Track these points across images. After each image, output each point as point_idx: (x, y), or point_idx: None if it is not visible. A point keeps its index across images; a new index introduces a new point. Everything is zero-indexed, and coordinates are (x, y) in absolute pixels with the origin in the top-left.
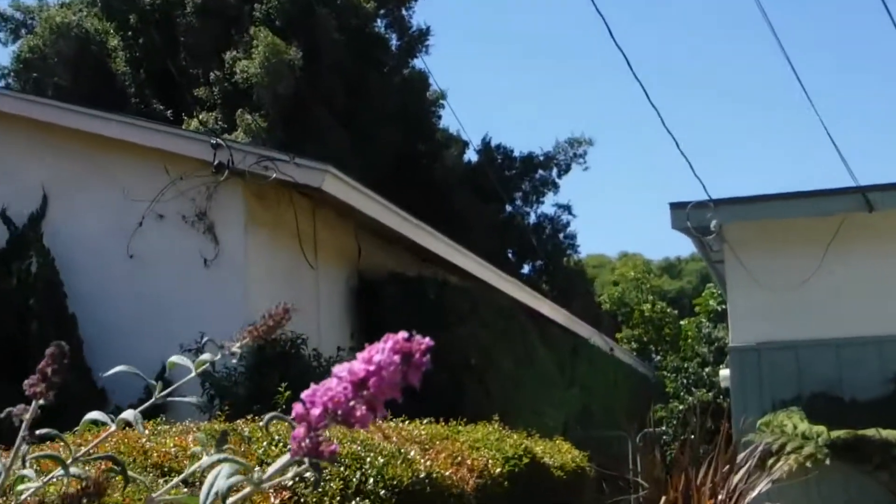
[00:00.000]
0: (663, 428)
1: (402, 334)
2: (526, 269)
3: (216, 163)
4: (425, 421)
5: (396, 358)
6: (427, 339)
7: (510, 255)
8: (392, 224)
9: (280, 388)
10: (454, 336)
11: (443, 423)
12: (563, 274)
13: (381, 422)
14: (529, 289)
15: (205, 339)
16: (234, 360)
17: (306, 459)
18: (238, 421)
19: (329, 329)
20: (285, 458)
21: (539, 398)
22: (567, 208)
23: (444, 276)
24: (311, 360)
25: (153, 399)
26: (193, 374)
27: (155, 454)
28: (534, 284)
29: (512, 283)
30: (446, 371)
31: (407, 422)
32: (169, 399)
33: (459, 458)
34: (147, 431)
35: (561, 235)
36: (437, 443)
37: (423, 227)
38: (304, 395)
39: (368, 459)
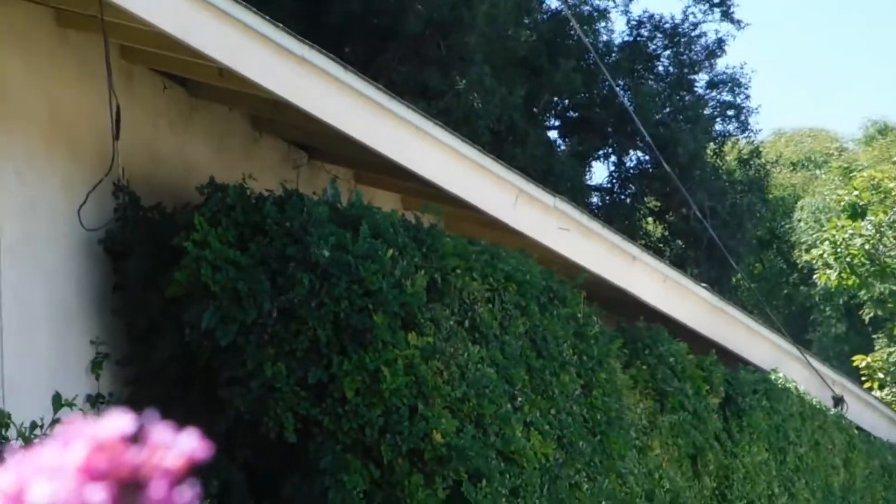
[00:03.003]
0: None
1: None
2: (599, 170)
3: None
4: None
5: None
6: (188, 436)
7: (549, 122)
8: (206, 44)
9: None
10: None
11: None
12: (702, 182)
13: None
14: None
15: None
16: None
17: None
18: None
19: (28, 351)
20: None
21: None
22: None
23: (357, 176)
24: None
25: None
26: None
27: None
28: (616, 212)
29: (540, 203)
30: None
31: None
32: None
33: None
34: None
35: (699, 80)
36: None
37: (278, 40)
38: None
39: None
